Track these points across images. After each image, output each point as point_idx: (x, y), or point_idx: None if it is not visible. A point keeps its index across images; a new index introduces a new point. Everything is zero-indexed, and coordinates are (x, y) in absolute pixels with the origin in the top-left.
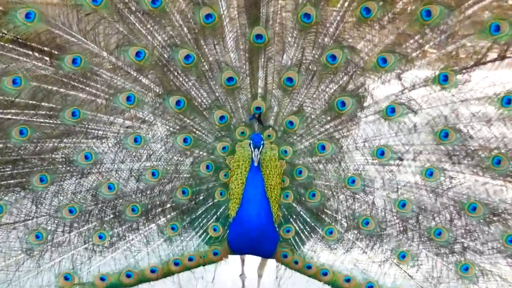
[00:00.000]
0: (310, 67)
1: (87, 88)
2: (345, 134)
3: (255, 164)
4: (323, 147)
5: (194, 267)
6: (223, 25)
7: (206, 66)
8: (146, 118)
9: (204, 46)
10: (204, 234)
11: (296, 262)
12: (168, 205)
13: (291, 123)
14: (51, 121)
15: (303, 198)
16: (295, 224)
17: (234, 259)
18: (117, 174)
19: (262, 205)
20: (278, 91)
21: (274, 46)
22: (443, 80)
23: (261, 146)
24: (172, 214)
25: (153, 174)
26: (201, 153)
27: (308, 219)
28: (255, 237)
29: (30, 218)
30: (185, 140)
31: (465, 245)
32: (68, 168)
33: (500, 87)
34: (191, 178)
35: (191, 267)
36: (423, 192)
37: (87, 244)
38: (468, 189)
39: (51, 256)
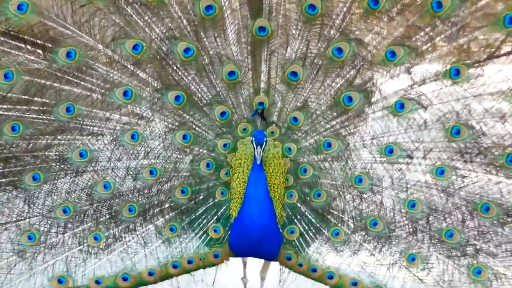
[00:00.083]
0: (315, 60)
1: (82, 83)
2: (352, 130)
3: (258, 162)
4: (329, 145)
5: (193, 270)
6: (224, 16)
7: (206, 60)
8: (144, 114)
9: (204, 39)
10: (204, 235)
11: (300, 265)
12: (167, 205)
13: (295, 119)
14: (44, 117)
15: (308, 198)
16: (299, 225)
17: (235, 262)
18: (113, 173)
19: (265, 205)
20: (281, 86)
21: (278, 39)
22: (454, 74)
23: (264, 143)
24: (171, 214)
25: (151, 172)
26: (201, 150)
27: (313, 220)
28: (257, 238)
29: (23, 218)
30: (184, 137)
31: (478, 247)
32: (62, 166)
33: None
34: (190, 176)
35: (190, 270)
36: (434, 192)
37: (82, 246)
38: (481, 189)
39: (44, 258)
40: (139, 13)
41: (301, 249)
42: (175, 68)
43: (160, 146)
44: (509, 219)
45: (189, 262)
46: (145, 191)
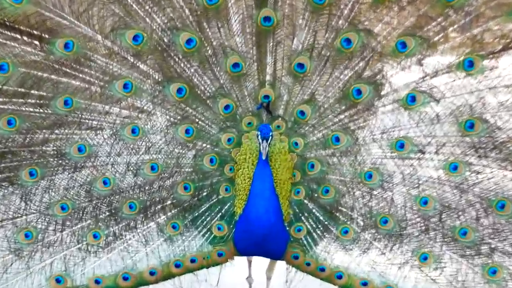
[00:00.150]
0: (322, 52)
1: (81, 75)
2: (361, 124)
3: (263, 157)
4: (337, 139)
5: (196, 269)
6: (227, 6)
7: (209, 51)
8: (145, 107)
9: (207, 29)
10: (208, 233)
11: (308, 264)
12: (169, 202)
13: (302, 112)
14: (41, 110)
15: (316, 195)
16: (306, 223)
17: (240, 261)
18: (113, 168)
19: (271, 202)
20: (288, 78)
21: (284, 29)
22: (468, 66)
23: (270, 137)
24: (173, 211)
25: (152, 168)
26: (204, 145)
27: (321, 217)
28: (263, 236)
29: (19, 215)
30: (187, 131)
31: (493, 246)
32: (60, 161)
33: None
34: (193, 172)
35: (193, 269)
36: (447, 188)
37: (81, 244)
38: (496, 185)
39: (42, 257)
40: (140, 2)
41: (308, 248)
42: (177, 59)
43: (162, 140)
44: None
45: (192, 261)
46: (146, 188)
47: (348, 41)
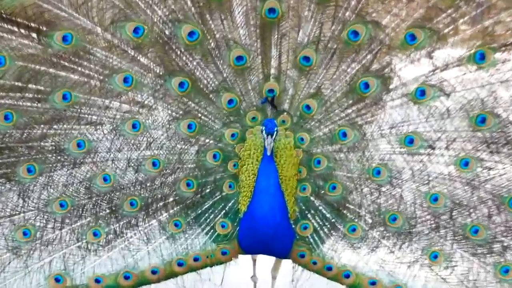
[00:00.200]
0: (329, 44)
1: (80, 69)
2: (369, 119)
3: (268, 153)
4: (344, 134)
5: (200, 268)
6: None
7: (212, 44)
8: (146, 102)
9: (210, 22)
10: (211, 231)
11: (314, 263)
12: (171, 199)
13: (308, 107)
14: (39, 105)
15: (322, 191)
16: (313, 220)
17: (244, 259)
18: (113, 164)
19: (276, 199)
20: (293, 72)
21: (289, 21)
22: (479, 58)
23: (275, 133)
24: (176, 208)
25: (153, 164)
26: (207, 140)
27: (328, 215)
28: (268, 234)
29: (17, 213)
30: (189, 126)
31: (505, 244)
32: (59, 157)
33: None
34: (196, 168)
35: (196, 268)
36: (458, 185)
37: (81, 242)
38: (509, 181)
39: (41, 256)
40: None
41: (315, 246)
42: (178, 52)
43: (164, 136)
44: None
45: (195, 259)
46: (148, 184)
47: (356, 33)
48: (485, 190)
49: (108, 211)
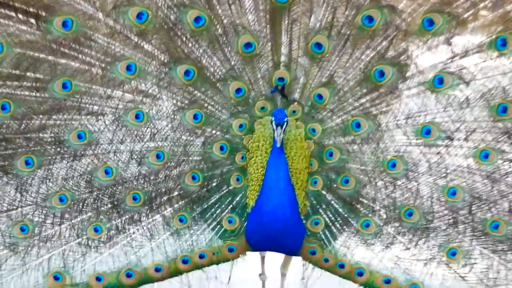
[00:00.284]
0: (342, 30)
1: (80, 56)
2: (384, 109)
3: (278, 144)
4: (358, 125)
5: (206, 265)
6: None
7: (219, 30)
8: (150, 91)
9: (217, 6)
10: (218, 226)
11: (326, 260)
12: (176, 193)
13: (320, 96)
14: (38, 94)
15: (335, 185)
16: (325, 215)
17: (252, 256)
18: (115, 157)
19: (286, 193)
20: (304, 59)
21: (300, 6)
22: (501, 45)
23: (285, 123)
24: (180, 203)
25: (157, 156)
26: (214, 132)
27: (340, 210)
28: (277, 230)
29: (14, 207)
30: (195, 117)
31: None
32: (58, 149)
33: None
34: (202, 161)
35: (202, 266)
36: (477, 178)
37: (81, 238)
38: None
39: (39, 252)
40: None
41: (326, 243)
42: (184, 39)
43: (168, 126)
44: None
45: (201, 256)
46: (151, 177)
47: (370, 18)
48: (506, 183)
49: (109, 205)
